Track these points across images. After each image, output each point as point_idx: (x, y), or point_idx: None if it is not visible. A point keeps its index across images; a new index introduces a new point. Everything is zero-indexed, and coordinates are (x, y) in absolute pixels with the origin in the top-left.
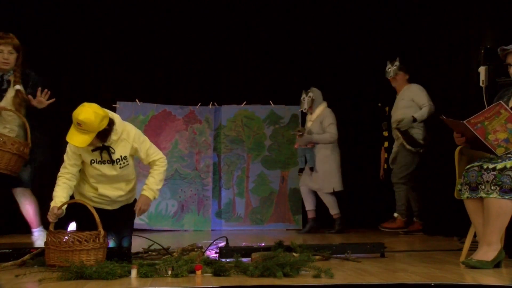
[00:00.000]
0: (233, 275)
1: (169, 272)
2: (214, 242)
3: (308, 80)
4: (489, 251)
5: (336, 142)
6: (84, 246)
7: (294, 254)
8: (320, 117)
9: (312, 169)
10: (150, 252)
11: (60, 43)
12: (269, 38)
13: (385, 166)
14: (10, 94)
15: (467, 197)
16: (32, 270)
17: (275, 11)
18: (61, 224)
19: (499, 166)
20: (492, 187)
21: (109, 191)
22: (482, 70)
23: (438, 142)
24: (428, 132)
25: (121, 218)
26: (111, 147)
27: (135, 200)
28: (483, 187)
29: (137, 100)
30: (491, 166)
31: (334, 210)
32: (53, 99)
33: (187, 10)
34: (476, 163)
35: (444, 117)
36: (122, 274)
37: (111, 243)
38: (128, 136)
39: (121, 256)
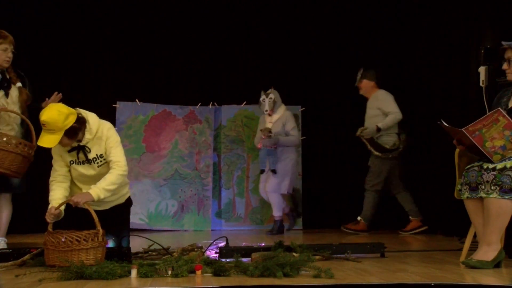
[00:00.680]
0: (233, 275)
1: (169, 272)
2: (214, 242)
3: (308, 80)
4: (489, 251)
5: (297, 146)
6: (83, 245)
7: (294, 254)
8: (281, 119)
9: (274, 171)
10: (150, 252)
11: (60, 43)
12: (269, 38)
13: None
14: (14, 92)
15: (467, 197)
16: (32, 270)
17: (275, 11)
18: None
19: (499, 166)
20: (492, 187)
21: None
22: (482, 70)
23: (437, 142)
24: (407, 138)
25: (115, 218)
26: (87, 147)
27: (127, 200)
28: (483, 187)
29: (137, 100)
30: (491, 166)
31: (277, 212)
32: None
33: (187, 10)
34: (476, 163)
35: (443, 123)
36: (122, 274)
37: (111, 243)
38: (102, 134)
39: (121, 256)
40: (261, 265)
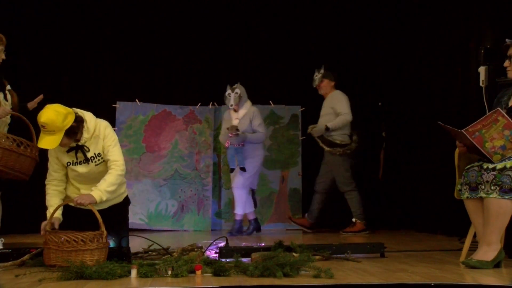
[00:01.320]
0: (233, 275)
1: (169, 272)
2: (214, 242)
3: (308, 80)
4: (489, 251)
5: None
6: (88, 246)
7: (294, 254)
8: (248, 115)
9: (243, 169)
10: (150, 252)
11: (60, 43)
12: (269, 38)
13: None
14: (8, 95)
15: (467, 197)
16: (32, 270)
17: (275, 11)
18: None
19: (499, 166)
20: (492, 187)
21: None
22: (482, 70)
23: (437, 142)
24: (359, 139)
25: (114, 218)
26: (85, 146)
27: (125, 199)
28: (483, 187)
29: (137, 100)
30: (491, 166)
31: (240, 210)
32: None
33: (187, 10)
34: (476, 163)
35: (443, 124)
36: (122, 274)
37: (111, 243)
38: (100, 132)
39: (120, 256)
40: (261, 265)
